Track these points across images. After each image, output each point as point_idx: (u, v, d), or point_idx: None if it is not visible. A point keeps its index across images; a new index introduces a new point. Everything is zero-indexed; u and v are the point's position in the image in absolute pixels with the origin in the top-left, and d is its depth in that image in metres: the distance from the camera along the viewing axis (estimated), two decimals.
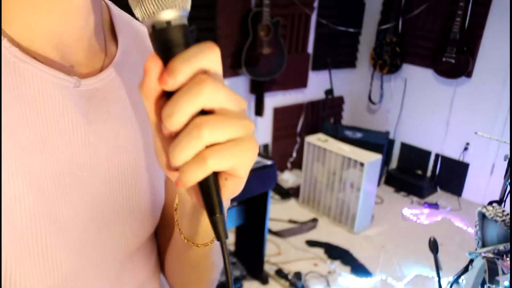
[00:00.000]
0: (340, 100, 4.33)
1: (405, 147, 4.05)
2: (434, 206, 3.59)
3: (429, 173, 3.95)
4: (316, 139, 3.26)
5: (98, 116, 0.49)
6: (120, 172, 0.50)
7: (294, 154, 4.04)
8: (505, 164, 2.25)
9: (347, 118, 4.48)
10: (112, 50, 0.54)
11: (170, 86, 0.34)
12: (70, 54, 0.47)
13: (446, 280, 2.60)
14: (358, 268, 2.72)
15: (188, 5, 0.38)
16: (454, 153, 3.78)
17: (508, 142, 2.27)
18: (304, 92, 3.92)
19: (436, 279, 2.21)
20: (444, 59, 3.52)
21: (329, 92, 3.84)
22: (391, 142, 4.10)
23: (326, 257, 2.81)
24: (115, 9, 0.57)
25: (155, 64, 0.35)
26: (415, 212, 3.51)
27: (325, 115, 3.92)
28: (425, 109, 3.87)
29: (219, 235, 0.38)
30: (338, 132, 3.64)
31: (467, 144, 3.68)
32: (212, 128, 0.34)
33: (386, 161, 4.00)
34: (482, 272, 1.75)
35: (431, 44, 3.63)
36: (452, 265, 2.82)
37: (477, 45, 3.43)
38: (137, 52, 0.58)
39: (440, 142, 3.86)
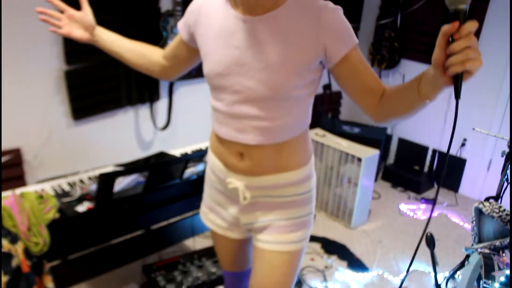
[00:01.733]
0: (338, 95, 4.33)
1: (402, 142, 4.06)
2: (431, 201, 3.60)
3: (426, 169, 3.96)
4: (314, 134, 3.26)
5: (252, 36, 1.11)
6: (257, 64, 1.12)
7: None
8: (502, 160, 2.26)
9: (345, 113, 4.47)
10: (281, 1, 1.10)
11: (457, 37, 0.84)
12: (250, 4, 1.10)
13: (442, 275, 2.61)
14: (355, 263, 2.73)
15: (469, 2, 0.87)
16: (451, 148, 3.78)
17: (506, 138, 2.27)
18: None
19: (433, 274, 2.22)
20: None
21: (327, 87, 3.84)
22: (389, 138, 4.10)
23: (323, 252, 2.82)
24: None
25: (456, 25, 0.85)
26: (412, 208, 3.52)
27: (323, 110, 3.92)
28: None
29: (458, 93, 0.87)
30: (335, 127, 3.64)
31: (465, 140, 3.68)
32: (473, 52, 0.83)
33: (383, 157, 4.01)
34: (478, 267, 1.76)
35: (429, 39, 3.62)
36: (448, 261, 2.83)
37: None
38: (299, 11, 1.09)
39: (437, 138, 3.86)
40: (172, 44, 1.37)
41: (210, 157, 1.36)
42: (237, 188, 1.26)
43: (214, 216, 1.41)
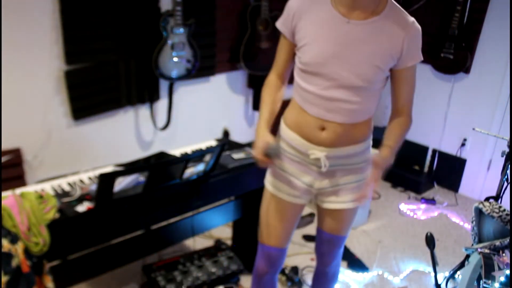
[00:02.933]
0: None
1: (402, 142, 4.04)
2: (431, 201, 3.60)
3: (426, 169, 3.96)
4: None
5: (353, 36, 1.38)
6: (353, 59, 1.39)
7: None
8: (502, 160, 2.26)
9: None
10: (379, 10, 1.38)
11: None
12: (356, 8, 1.37)
13: (442, 275, 2.61)
14: (355, 263, 2.73)
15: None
16: (451, 148, 3.78)
17: (506, 138, 2.27)
18: None
19: (433, 274, 2.22)
20: (442, 55, 3.52)
21: None
22: None
23: None
24: None
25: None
26: (412, 208, 3.52)
27: None
28: (423, 105, 3.87)
29: None
30: None
31: (465, 140, 3.68)
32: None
33: None
34: (478, 267, 1.76)
35: (429, 39, 3.62)
36: (448, 261, 2.83)
37: (475, 41, 3.43)
38: (393, 21, 1.38)
39: (437, 138, 3.86)
40: (280, 57, 1.59)
41: (287, 133, 1.59)
42: (319, 158, 1.51)
43: (283, 185, 1.64)
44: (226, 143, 2.24)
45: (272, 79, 1.62)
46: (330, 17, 1.39)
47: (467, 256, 1.90)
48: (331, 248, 1.80)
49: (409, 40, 1.40)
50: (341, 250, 1.85)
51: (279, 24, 1.52)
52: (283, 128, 1.62)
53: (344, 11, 1.38)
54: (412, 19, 1.41)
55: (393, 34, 1.38)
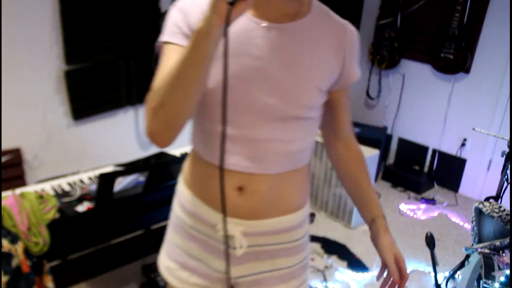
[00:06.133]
0: None
1: (402, 142, 4.05)
2: (431, 201, 3.60)
3: (426, 169, 3.96)
4: None
5: (278, 45, 0.91)
6: (283, 78, 0.92)
7: None
8: (502, 160, 2.26)
9: None
10: (303, 11, 0.95)
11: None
12: (272, 11, 0.92)
13: (442, 275, 2.61)
14: (355, 263, 2.73)
15: None
16: (451, 148, 3.78)
17: (506, 138, 2.27)
18: None
19: (433, 274, 2.22)
20: (442, 55, 3.52)
21: None
22: (389, 138, 4.10)
23: (323, 252, 2.82)
24: None
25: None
26: (412, 208, 3.52)
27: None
28: (423, 105, 3.87)
29: None
30: None
31: (465, 140, 3.68)
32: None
33: (383, 157, 4.01)
34: (478, 267, 1.76)
35: (429, 39, 3.62)
36: (448, 260, 2.83)
37: (475, 41, 3.43)
38: (325, 25, 0.97)
39: (437, 138, 3.86)
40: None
41: (188, 198, 1.07)
42: (233, 235, 0.99)
43: (187, 273, 1.09)
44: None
45: None
46: (241, 21, 0.89)
47: (467, 256, 1.90)
48: None
49: (349, 49, 0.99)
50: None
51: (170, 38, 0.97)
52: (183, 191, 1.10)
53: (260, 13, 0.92)
54: (345, 21, 1.01)
55: (329, 40, 0.96)
